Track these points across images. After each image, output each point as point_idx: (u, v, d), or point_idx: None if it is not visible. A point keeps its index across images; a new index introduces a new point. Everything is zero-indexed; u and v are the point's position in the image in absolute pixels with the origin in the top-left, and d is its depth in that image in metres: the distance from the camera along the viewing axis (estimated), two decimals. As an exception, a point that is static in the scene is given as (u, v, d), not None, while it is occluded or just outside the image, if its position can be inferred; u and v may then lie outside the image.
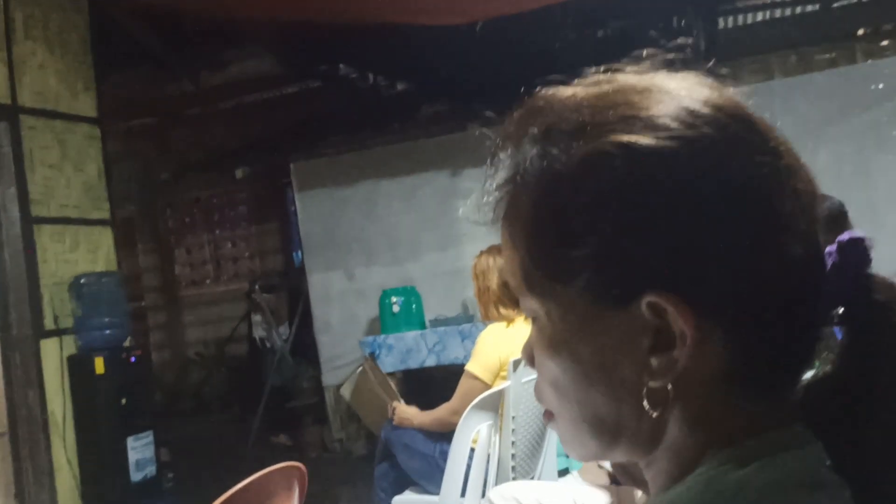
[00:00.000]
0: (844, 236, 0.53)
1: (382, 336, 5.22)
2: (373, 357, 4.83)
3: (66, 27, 4.61)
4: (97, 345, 4.35)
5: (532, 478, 2.90)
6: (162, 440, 4.69)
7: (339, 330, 5.83)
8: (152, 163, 7.36)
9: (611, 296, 0.53)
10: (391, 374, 4.60)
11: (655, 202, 0.51)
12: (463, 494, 2.72)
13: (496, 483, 2.69)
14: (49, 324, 4.30)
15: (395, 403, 3.21)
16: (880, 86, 4.73)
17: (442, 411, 3.00)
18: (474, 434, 2.72)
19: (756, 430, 0.52)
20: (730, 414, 0.53)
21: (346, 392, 5.01)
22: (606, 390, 0.55)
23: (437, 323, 5.26)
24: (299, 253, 6.22)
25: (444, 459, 2.79)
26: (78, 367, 4.34)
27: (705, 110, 0.53)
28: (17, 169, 4.22)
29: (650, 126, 0.52)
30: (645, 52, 0.59)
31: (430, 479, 2.97)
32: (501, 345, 2.91)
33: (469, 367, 2.97)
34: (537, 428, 2.91)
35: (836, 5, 5.06)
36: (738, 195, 0.51)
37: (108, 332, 4.40)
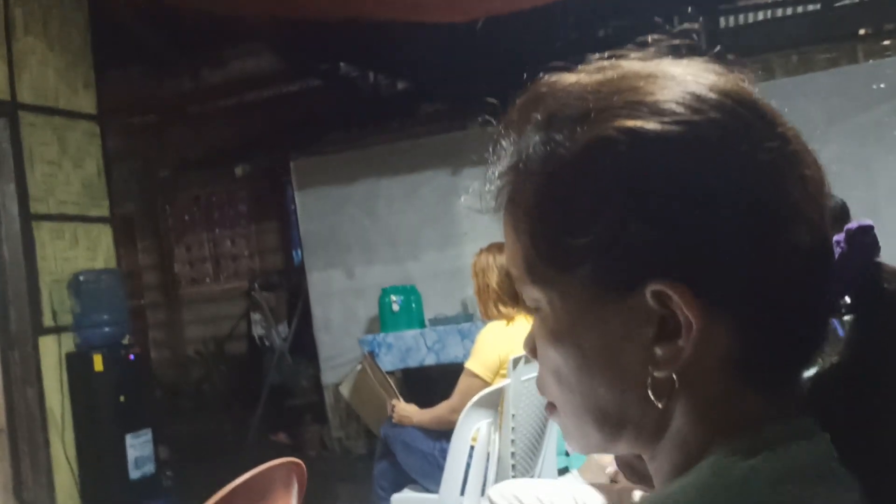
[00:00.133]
0: (853, 224, 0.52)
1: (382, 335, 5.22)
2: (372, 355, 4.83)
3: (66, 24, 4.60)
4: (96, 342, 4.34)
5: (532, 476, 2.89)
6: (161, 438, 4.69)
7: (339, 328, 5.82)
8: (152, 160, 7.35)
9: (615, 284, 0.52)
10: (390, 373, 4.59)
11: (661, 188, 0.50)
12: (462, 493, 2.71)
13: (496, 481, 2.68)
14: (48, 321, 4.29)
15: (395, 401, 3.20)
16: (882, 85, 4.73)
17: (441, 409, 3.00)
18: (474, 432, 2.71)
19: (763, 421, 0.51)
20: (736, 404, 0.52)
21: (344, 390, 5.00)
22: (610, 380, 0.54)
23: (436, 322, 5.26)
24: (299, 251, 6.22)
25: (444, 457, 2.78)
26: (77, 364, 4.33)
27: (711, 96, 0.52)
28: (16, 166, 4.21)
29: (655, 111, 0.51)
30: (650, 38, 0.58)
31: (430, 477, 2.96)
32: (501, 343, 2.90)
33: (469, 364, 2.96)
34: (537, 426, 2.90)
35: (837, 5, 5.06)
36: (745, 181, 0.50)
37: (107, 329, 4.39)
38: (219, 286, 7.51)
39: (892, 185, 4.61)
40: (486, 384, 2.86)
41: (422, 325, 5.32)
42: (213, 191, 7.47)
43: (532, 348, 0.61)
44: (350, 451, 5.80)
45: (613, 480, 2.27)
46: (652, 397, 0.52)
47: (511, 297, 2.92)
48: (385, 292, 5.38)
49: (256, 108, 6.55)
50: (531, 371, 2.71)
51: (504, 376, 2.84)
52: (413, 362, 5.10)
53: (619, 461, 0.65)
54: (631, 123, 0.51)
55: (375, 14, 4.49)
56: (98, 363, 4.29)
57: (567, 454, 3.15)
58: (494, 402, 2.75)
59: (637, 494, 2.09)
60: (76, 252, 4.51)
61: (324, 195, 5.90)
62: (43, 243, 4.31)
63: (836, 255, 0.52)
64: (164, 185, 7.45)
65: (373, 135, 5.92)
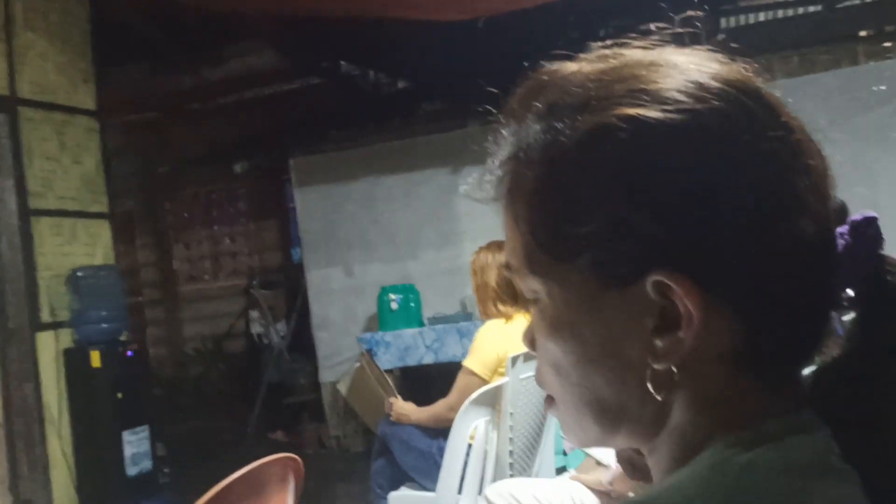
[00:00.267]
0: (858, 216, 0.51)
1: (380, 333, 5.22)
2: (370, 353, 4.82)
3: (67, 19, 4.59)
4: (94, 338, 4.33)
5: (529, 475, 2.88)
6: (159, 435, 4.68)
7: (338, 327, 5.82)
8: (152, 157, 7.34)
9: (615, 274, 0.51)
10: (389, 372, 4.59)
11: (662, 177, 0.49)
12: (460, 491, 2.71)
13: (493, 480, 2.68)
14: (46, 316, 4.28)
15: (392, 399, 3.19)
16: (882, 87, 4.72)
17: (439, 407, 2.99)
18: (472, 430, 2.71)
19: (764, 415, 0.50)
20: (737, 397, 0.51)
21: (343, 388, 5.01)
22: (609, 373, 0.54)
23: (435, 321, 5.25)
24: (298, 249, 6.21)
25: (442, 455, 2.78)
26: (74, 360, 4.32)
27: (714, 84, 0.52)
28: (15, 161, 4.20)
29: (658, 99, 0.51)
30: (653, 27, 0.58)
31: (427, 475, 2.95)
32: (500, 341, 2.90)
33: (466, 363, 2.96)
34: (535, 425, 2.90)
35: (838, 6, 5.05)
36: (748, 171, 0.50)
37: (104, 325, 4.38)
38: (217, 284, 7.50)
39: (892, 186, 4.61)
40: (484, 382, 2.85)
41: (420, 323, 5.32)
42: (213, 188, 7.46)
43: (531, 341, 0.60)
44: (348, 450, 5.80)
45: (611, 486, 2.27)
46: (651, 390, 0.52)
47: (510, 296, 2.92)
48: (384, 291, 5.38)
49: (256, 106, 6.54)
50: (530, 369, 2.71)
51: (502, 374, 2.83)
52: (411, 361, 5.10)
53: (620, 456, 0.65)
54: (632, 111, 0.50)
55: (376, 12, 4.48)
56: (96, 359, 4.28)
57: (565, 453, 3.15)
58: (492, 400, 2.74)
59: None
60: (75, 248, 4.50)
61: (323, 193, 5.90)
62: (41, 239, 4.30)
63: (840, 248, 0.52)
64: (164, 181, 7.44)
65: (373, 133, 5.91)
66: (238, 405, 6.55)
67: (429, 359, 5.05)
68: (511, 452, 2.74)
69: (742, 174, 0.50)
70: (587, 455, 2.50)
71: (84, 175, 4.61)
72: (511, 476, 2.71)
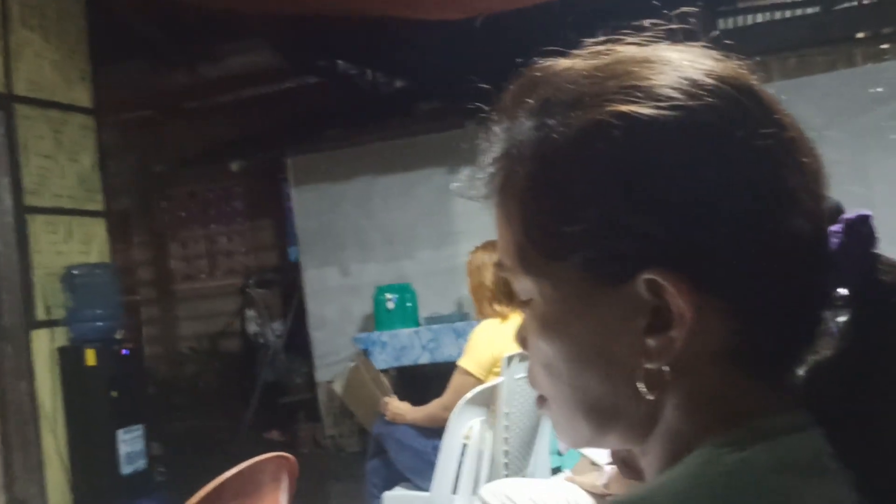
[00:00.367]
0: (852, 214, 0.51)
1: (377, 333, 5.21)
2: (366, 353, 4.82)
3: (63, 16, 4.59)
4: (89, 337, 4.33)
5: (524, 475, 2.88)
6: (154, 434, 4.67)
7: (334, 326, 5.81)
8: (148, 155, 7.33)
9: (608, 273, 0.51)
10: (385, 372, 4.58)
11: (656, 175, 0.49)
12: (454, 491, 2.70)
13: (488, 480, 2.67)
14: (41, 314, 4.27)
15: (388, 399, 3.19)
16: (879, 89, 4.73)
17: (433, 407, 2.99)
18: (467, 430, 2.70)
19: (756, 414, 0.50)
20: (729, 397, 0.51)
21: (338, 388, 4.99)
22: (601, 372, 0.53)
23: (431, 320, 5.25)
24: (294, 248, 6.20)
25: (437, 455, 2.77)
26: (69, 358, 4.31)
27: (708, 81, 0.51)
28: (10, 158, 4.19)
29: (651, 96, 0.50)
30: (647, 23, 0.57)
31: (422, 474, 2.95)
32: (495, 341, 2.89)
33: (461, 362, 2.96)
34: (530, 425, 2.89)
35: (836, 8, 5.06)
36: (741, 168, 0.49)
37: (100, 324, 4.38)
38: (213, 282, 7.49)
39: (889, 187, 4.61)
40: (479, 382, 2.85)
41: (416, 323, 5.32)
42: (209, 187, 7.45)
43: (523, 340, 0.60)
44: (343, 449, 5.79)
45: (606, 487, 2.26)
46: (643, 390, 0.51)
47: (506, 296, 2.91)
48: (380, 290, 5.38)
49: (253, 105, 6.53)
50: (525, 369, 2.70)
51: (498, 374, 2.83)
52: (407, 361, 5.10)
53: (615, 456, 0.64)
54: (625, 108, 0.50)
55: (374, 11, 4.48)
56: (91, 358, 4.27)
57: (560, 454, 3.14)
58: (487, 400, 2.74)
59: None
60: (70, 246, 4.50)
61: (320, 192, 5.89)
62: (37, 236, 4.29)
63: (835, 246, 0.51)
64: (160, 180, 7.43)
65: (370, 132, 5.91)
66: (233, 404, 6.54)
67: (425, 359, 5.05)
68: (506, 452, 2.74)
69: (736, 171, 0.49)
70: (582, 456, 2.50)
71: (80, 173, 4.60)
72: (506, 476, 2.71)
